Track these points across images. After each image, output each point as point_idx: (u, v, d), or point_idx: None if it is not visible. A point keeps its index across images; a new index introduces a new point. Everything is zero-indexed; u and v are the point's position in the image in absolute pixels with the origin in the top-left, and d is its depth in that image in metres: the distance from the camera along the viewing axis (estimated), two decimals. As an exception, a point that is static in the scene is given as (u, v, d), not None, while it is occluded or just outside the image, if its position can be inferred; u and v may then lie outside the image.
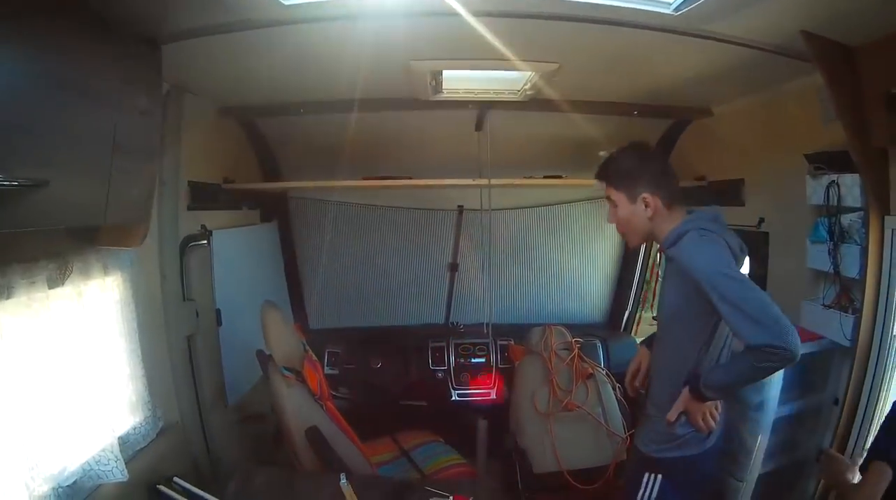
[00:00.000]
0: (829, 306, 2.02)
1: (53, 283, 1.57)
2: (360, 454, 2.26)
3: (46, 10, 1.22)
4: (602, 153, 1.96)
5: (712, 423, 1.72)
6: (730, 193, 2.67)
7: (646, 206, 1.72)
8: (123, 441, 1.86)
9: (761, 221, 2.46)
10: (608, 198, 1.81)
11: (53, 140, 1.28)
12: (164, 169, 2.12)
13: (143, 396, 2.01)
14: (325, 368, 3.27)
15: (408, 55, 1.97)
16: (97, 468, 1.70)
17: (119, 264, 1.89)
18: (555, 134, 2.93)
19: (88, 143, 1.41)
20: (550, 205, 3.55)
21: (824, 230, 2.02)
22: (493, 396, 3.29)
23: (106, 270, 1.83)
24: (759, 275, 2.47)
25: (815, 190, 2.06)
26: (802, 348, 1.56)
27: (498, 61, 1.96)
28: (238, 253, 2.76)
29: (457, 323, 3.68)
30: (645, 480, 1.77)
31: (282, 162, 3.16)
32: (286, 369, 2.18)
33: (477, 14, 1.57)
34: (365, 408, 3.12)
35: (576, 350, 2.92)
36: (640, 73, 2.21)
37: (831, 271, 2.00)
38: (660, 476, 1.76)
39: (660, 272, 1.77)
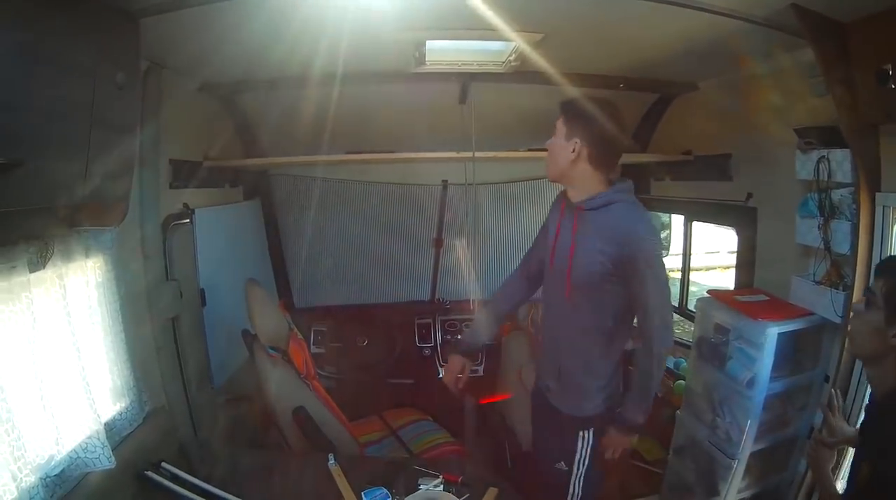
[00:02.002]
0: (820, 283, 2.05)
1: (34, 266, 1.54)
2: (347, 434, 2.28)
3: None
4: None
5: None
6: (716, 167, 2.70)
7: (573, 150, 1.82)
8: (110, 427, 1.85)
9: (749, 196, 2.49)
10: (556, 125, 1.90)
11: (27, 116, 1.25)
12: (144, 147, 2.05)
13: (129, 380, 1.98)
14: (311, 346, 3.29)
15: (391, 26, 1.93)
16: (84, 455, 1.68)
17: (100, 246, 1.84)
18: (540, 107, 2.86)
19: (65, 118, 1.38)
20: (536, 179, 3.56)
21: (814, 205, 2.04)
22: (481, 372, 3.33)
23: (87, 252, 1.79)
24: (747, 251, 2.50)
25: (804, 165, 2.08)
26: (794, 325, 1.70)
27: (482, 31, 1.94)
28: (221, 232, 2.73)
29: (443, 299, 3.70)
30: (581, 436, 1.94)
31: (262, 138, 3.10)
32: (272, 348, 2.17)
33: None
34: (352, 387, 3.15)
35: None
36: (626, 44, 2.20)
37: (821, 246, 2.03)
38: (592, 430, 1.94)
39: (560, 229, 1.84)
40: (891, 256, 1.83)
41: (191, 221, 2.39)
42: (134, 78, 1.64)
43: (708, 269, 7.66)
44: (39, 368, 1.56)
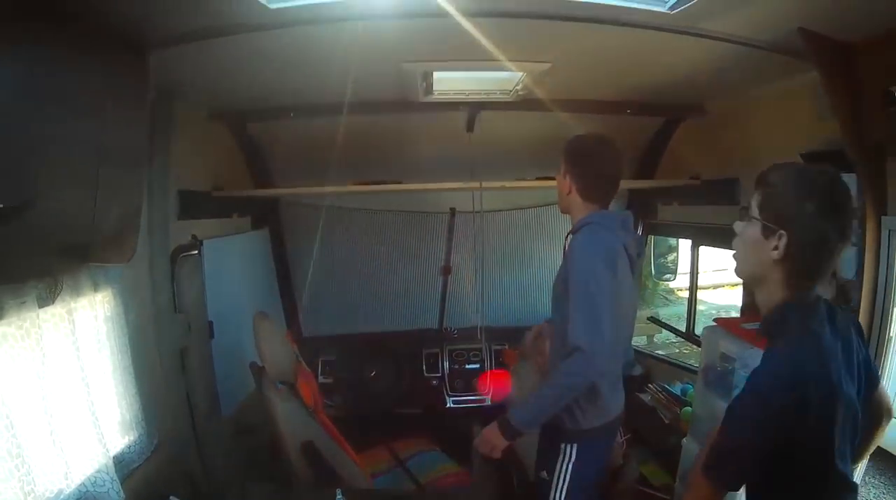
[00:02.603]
0: None
1: (43, 302, 1.56)
2: (355, 466, 2.27)
3: (22, 18, 1.20)
4: None
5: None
6: (724, 192, 2.68)
7: (567, 186, 1.98)
8: (119, 460, 1.86)
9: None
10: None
11: (37, 157, 1.26)
12: (153, 178, 2.10)
13: (137, 413, 2.00)
14: (319, 377, 3.28)
15: (399, 57, 1.98)
16: (93, 489, 1.69)
17: (109, 280, 1.87)
18: (547, 133, 2.92)
19: (73, 158, 1.39)
20: (544, 206, 3.55)
21: None
22: (489, 402, 3.31)
23: (96, 286, 1.81)
24: None
25: None
26: None
27: (489, 62, 1.96)
28: (230, 262, 2.75)
29: (451, 328, 3.68)
30: (563, 449, 1.96)
31: (272, 167, 3.14)
32: (280, 382, 2.18)
33: (468, 14, 1.57)
34: (360, 417, 3.13)
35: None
36: (633, 71, 2.23)
37: None
38: (575, 445, 1.95)
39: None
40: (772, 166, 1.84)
41: (199, 253, 2.40)
42: (142, 112, 1.66)
43: (716, 287, 7.62)
44: (49, 402, 1.57)
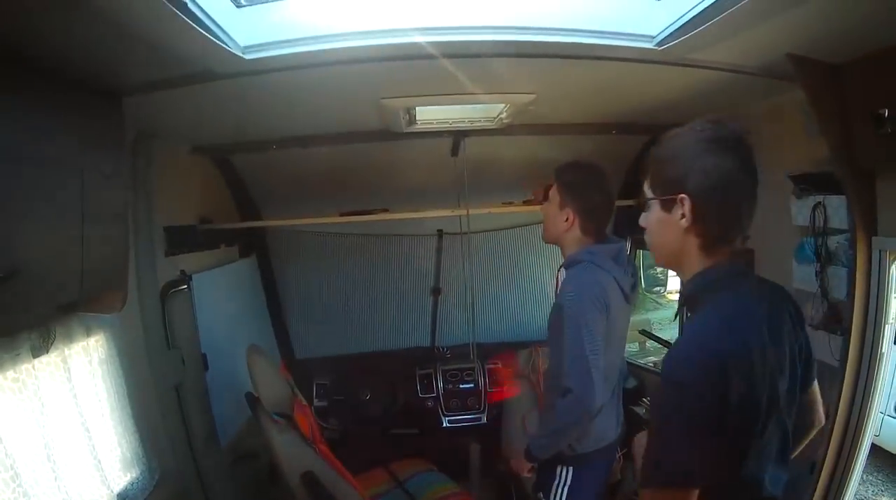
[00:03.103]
0: (817, 328, 2.04)
1: (38, 352, 1.59)
2: (356, 494, 2.29)
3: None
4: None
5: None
6: None
7: (566, 219, 2.00)
8: (123, 498, 1.89)
9: (746, 237, 2.51)
10: (548, 190, 2.06)
11: (17, 225, 1.25)
12: (137, 217, 2.12)
13: (137, 450, 2.02)
14: (314, 400, 3.30)
15: (378, 94, 2.00)
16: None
17: (101, 323, 1.90)
18: (531, 155, 2.96)
19: (57, 218, 1.39)
20: (530, 225, 3.59)
21: (810, 251, 2.06)
22: (485, 420, 3.35)
23: (88, 331, 1.84)
24: None
25: (800, 210, 2.11)
26: None
27: (472, 95, 2.01)
28: (220, 293, 2.76)
29: (443, 348, 3.70)
30: (558, 472, 2.04)
31: (257, 197, 3.17)
32: (276, 414, 2.21)
33: (447, 56, 1.60)
34: (356, 439, 3.16)
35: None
36: (618, 97, 2.27)
37: (818, 292, 2.05)
38: (571, 468, 2.03)
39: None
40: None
41: (188, 287, 2.43)
42: (120, 163, 1.66)
43: None
44: (50, 450, 1.59)
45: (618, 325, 1.97)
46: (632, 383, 3.17)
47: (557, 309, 1.94)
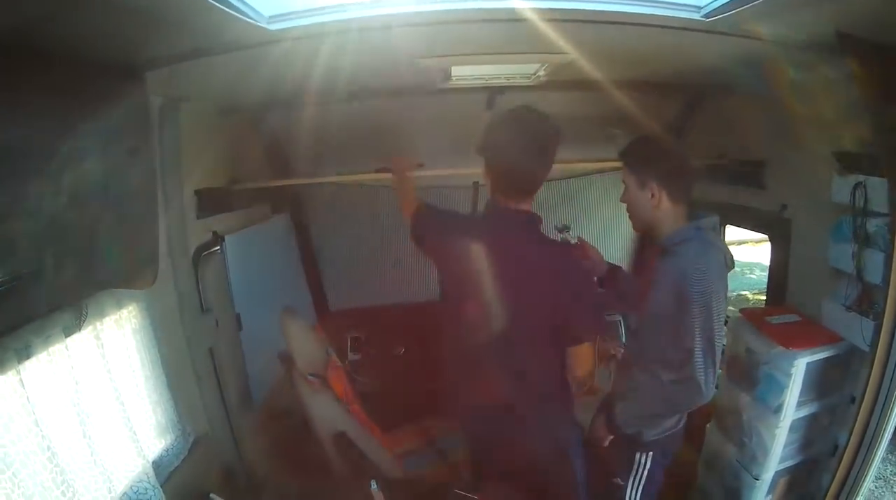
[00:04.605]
0: (850, 309, 2.01)
1: (70, 331, 1.61)
2: (387, 454, 2.34)
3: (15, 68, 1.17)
4: (616, 132, 1.95)
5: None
6: (750, 173, 2.58)
7: (651, 196, 1.85)
8: (157, 465, 1.95)
9: (784, 207, 2.39)
10: (623, 180, 1.93)
11: (45, 208, 1.25)
12: (166, 184, 2.09)
13: (172, 415, 2.09)
14: (349, 353, 3.34)
15: (412, 55, 1.92)
16: (136, 497, 1.79)
17: (132, 294, 1.90)
18: (570, 112, 2.81)
19: (81, 206, 1.38)
20: (566, 178, 3.51)
21: (848, 230, 1.99)
22: None
23: (120, 304, 1.86)
24: (780, 264, 2.44)
25: (840, 188, 2.02)
26: (823, 352, 1.98)
27: (508, 55, 1.94)
28: (253, 251, 2.77)
29: None
30: (637, 459, 2.00)
31: (291, 154, 3.12)
32: (311, 374, 2.23)
33: (485, 20, 1.53)
34: (390, 394, 3.20)
35: None
36: (660, 58, 2.14)
37: (854, 273, 1.98)
38: (651, 454, 1.99)
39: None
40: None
41: (221, 249, 2.44)
42: (146, 139, 1.64)
43: (740, 243, 7.44)
44: (86, 426, 1.64)
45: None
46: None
47: (664, 295, 1.82)
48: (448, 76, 2.25)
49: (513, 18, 1.51)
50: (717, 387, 1.93)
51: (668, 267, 1.84)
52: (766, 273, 2.73)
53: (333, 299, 3.69)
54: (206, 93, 2.20)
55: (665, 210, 1.86)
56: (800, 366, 2.05)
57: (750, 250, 7.59)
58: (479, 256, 1.82)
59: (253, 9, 1.37)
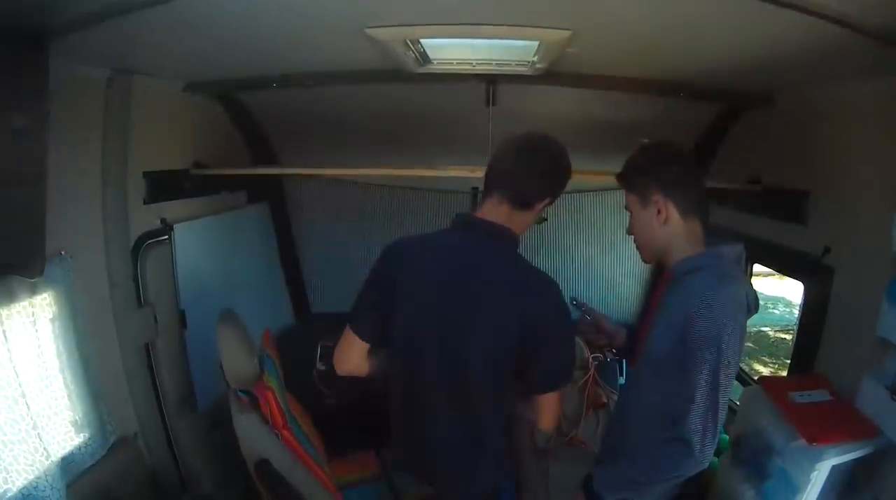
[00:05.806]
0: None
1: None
2: (322, 489, 2.16)
3: None
4: (645, 141, 1.74)
5: None
6: (789, 205, 2.19)
7: (658, 212, 1.62)
8: (67, 462, 1.86)
9: (827, 250, 2.01)
10: (626, 207, 1.71)
11: None
12: (108, 164, 2.01)
13: (89, 412, 1.99)
14: (317, 362, 3.19)
15: (362, 21, 1.62)
16: (35, 493, 1.69)
17: (50, 280, 1.80)
18: (581, 114, 2.63)
19: None
20: (578, 193, 3.26)
21: None
22: None
23: (34, 289, 1.76)
24: (813, 320, 2.06)
25: None
26: (854, 451, 1.62)
27: (488, 26, 1.64)
28: (212, 244, 2.65)
29: None
30: None
31: (273, 140, 3.00)
32: (241, 391, 2.08)
33: None
34: (353, 413, 3.03)
35: (591, 371, 2.70)
36: (682, 45, 1.80)
37: None
38: None
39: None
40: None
41: (169, 239, 2.32)
42: (39, 118, 1.48)
43: (766, 275, 7.06)
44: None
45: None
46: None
47: (667, 330, 1.59)
48: (424, 58, 2.03)
49: None
50: (717, 454, 1.67)
51: (672, 299, 1.59)
52: (789, 309, 2.43)
53: (315, 302, 3.56)
54: (158, 63, 2.06)
55: (675, 226, 1.62)
56: (823, 470, 1.66)
57: (774, 284, 7.22)
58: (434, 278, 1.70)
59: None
